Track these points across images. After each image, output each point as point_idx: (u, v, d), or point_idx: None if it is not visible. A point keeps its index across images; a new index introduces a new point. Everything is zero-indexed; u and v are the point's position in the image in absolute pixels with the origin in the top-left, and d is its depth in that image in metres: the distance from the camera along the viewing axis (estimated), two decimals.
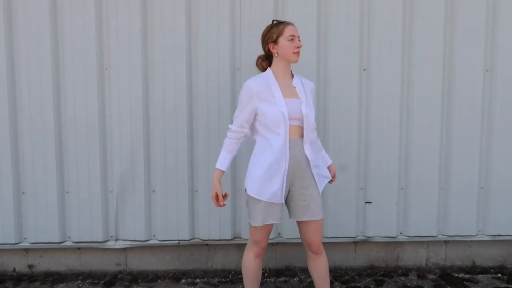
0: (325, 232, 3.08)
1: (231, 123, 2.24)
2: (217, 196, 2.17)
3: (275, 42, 2.14)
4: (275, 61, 2.19)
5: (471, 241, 3.21)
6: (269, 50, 2.18)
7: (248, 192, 2.14)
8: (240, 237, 3.08)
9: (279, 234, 3.09)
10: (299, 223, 2.22)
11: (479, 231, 3.15)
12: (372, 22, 2.98)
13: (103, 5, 2.90)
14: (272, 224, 2.21)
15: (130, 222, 3.02)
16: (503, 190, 3.10)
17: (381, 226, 3.10)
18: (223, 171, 2.18)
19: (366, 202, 3.09)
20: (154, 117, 2.98)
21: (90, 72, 2.91)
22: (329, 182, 2.35)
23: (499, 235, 3.14)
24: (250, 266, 2.25)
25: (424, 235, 3.11)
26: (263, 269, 3.12)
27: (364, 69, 3.02)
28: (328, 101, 3.01)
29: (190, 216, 3.03)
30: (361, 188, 3.08)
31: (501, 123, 3.07)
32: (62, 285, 2.93)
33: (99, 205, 2.99)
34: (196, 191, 3.04)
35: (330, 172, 2.35)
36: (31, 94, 2.91)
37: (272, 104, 2.10)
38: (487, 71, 3.05)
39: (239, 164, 3.01)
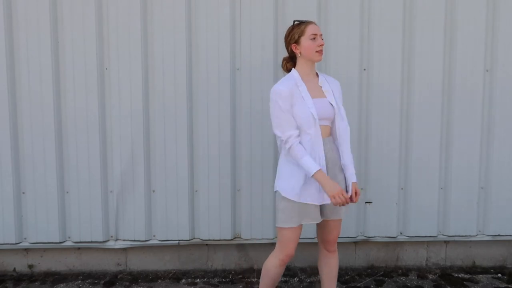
0: None
1: (279, 137, 2.11)
2: (342, 192, 2.00)
3: (297, 42, 2.12)
4: (299, 62, 2.17)
5: (471, 241, 3.20)
6: (292, 51, 2.17)
7: (285, 194, 2.09)
8: (240, 237, 3.08)
9: None
10: (322, 221, 2.20)
11: (479, 231, 3.15)
12: (372, 22, 2.98)
13: (103, 5, 2.90)
14: (301, 230, 2.18)
15: (130, 222, 3.02)
16: (503, 190, 3.10)
17: (381, 226, 3.10)
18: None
19: (366, 202, 3.09)
20: (154, 117, 2.98)
21: (90, 72, 2.91)
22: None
23: (499, 235, 3.14)
24: (273, 271, 2.20)
25: (424, 235, 3.11)
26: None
27: (365, 69, 3.02)
28: None
29: (190, 216, 3.03)
30: (361, 188, 3.07)
31: (501, 123, 3.06)
32: (62, 285, 2.93)
33: (99, 205, 2.99)
34: (196, 191, 3.04)
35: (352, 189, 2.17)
36: (31, 94, 2.90)
37: (301, 105, 2.07)
38: (487, 71, 3.05)
39: (239, 164, 3.01)
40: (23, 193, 2.98)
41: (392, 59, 3.00)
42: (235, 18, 2.95)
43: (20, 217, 2.99)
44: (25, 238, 3.01)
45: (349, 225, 3.08)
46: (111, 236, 3.04)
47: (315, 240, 3.09)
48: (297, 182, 2.08)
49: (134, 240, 3.04)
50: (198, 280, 3.01)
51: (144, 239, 3.03)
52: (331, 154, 2.14)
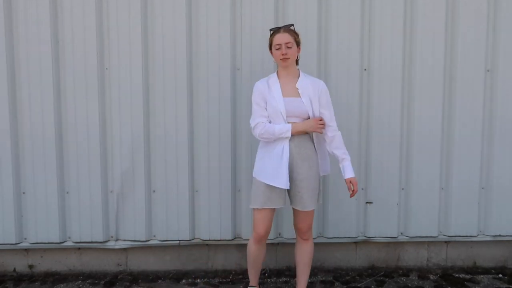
0: (326, 232, 3.08)
1: (251, 126, 2.43)
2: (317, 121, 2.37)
3: (270, 49, 2.44)
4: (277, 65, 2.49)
5: (472, 241, 3.20)
6: None
7: (255, 175, 2.40)
8: (240, 238, 3.08)
9: (279, 234, 3.09)
10: (293, 209, 2.47)
11: (480, 232, 3.14)
12: (373, 22, 2.98)
13: (104, 5, 2.90)
14: (272, 213, 2.42)
15: (130, 222, 3.02)
16: (504, 190, 3.10)
17: (382, 226, 3.09)
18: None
19: (367, 202, 3.09)
20: (154, 117, 2.97)
21: (90, 72, 2.91)
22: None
23: (500, 236, 3.13)
24: (250, 249, 2.51)
25: (425, 236, 3.11)
26: (263, 269, 3.12)
27: (365, 69, 3.01)
28: None
29: (190, 216, 3.02)
30: (362, 188, 3.07)
31: (502, 123, 3.06)
32: (62, 285, 2.93)
33: (100, 205, 2.98)
34: (196, 191, 3.03)
35: (350, 184, 2.47)
36: (31, 94, 2.90)
37: (271, 102, 2.37)
38: (488, 71, 3.04)
39: (239, 164, 3.01)
40: (23, 193, 2.97)
41: (393, 59, 2.99)
42: (235, 18, 2.94)
43: (20, 217, 2.98)
44: (25, 238, 3.01)
45: (349, 225, 3.08)
46: (111, 236, 3.04)
47: (316, 241, 3.09)
48: (264, 165, 2.36)
49: (135, 240, 3.04)
50: (198, 280, 3.00)
51: (144, 239, 3.03)
52: (298, 149, 2.36)
